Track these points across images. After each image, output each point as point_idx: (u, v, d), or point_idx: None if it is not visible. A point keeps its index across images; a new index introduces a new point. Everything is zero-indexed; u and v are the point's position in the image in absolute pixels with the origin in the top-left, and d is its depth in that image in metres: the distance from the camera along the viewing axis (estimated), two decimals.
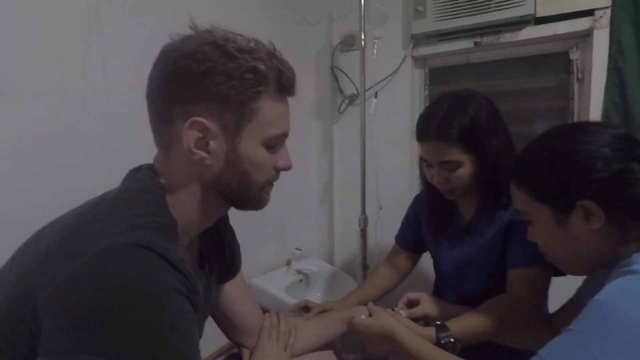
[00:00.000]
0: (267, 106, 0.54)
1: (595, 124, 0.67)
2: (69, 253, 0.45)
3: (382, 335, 0.78)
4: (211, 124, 0.52)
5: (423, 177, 1.01)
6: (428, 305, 0.92)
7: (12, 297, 0.47)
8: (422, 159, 0.95)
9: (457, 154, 0.86)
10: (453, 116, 0.85)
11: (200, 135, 0.52)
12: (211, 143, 0.53)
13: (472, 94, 0.90)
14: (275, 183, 0.62)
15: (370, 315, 0.85)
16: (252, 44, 0.54)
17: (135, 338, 0.42)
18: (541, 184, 0.65)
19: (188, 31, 0.55)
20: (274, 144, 0.57)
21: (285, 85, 0.56)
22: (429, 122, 0.88)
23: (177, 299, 0.47)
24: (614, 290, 0.53)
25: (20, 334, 0.46)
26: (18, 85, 0.83)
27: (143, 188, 0.54)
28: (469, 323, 0.82)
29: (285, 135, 0.59)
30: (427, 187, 1.01)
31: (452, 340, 0.79)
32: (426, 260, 1.18)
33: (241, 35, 0.55)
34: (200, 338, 0.69)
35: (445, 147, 0.86)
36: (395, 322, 0.78)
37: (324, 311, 1.01)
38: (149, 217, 0.50)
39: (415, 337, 0.75)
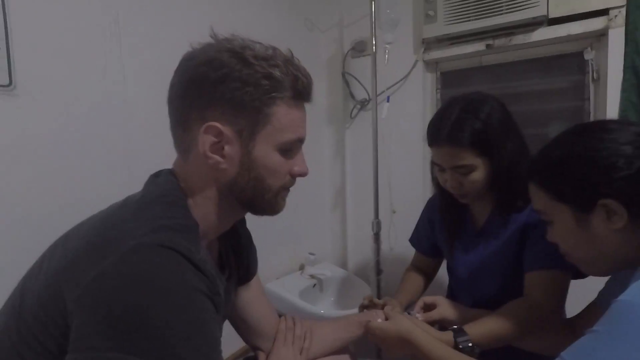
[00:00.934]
0: (281, 112, 0.55)
1: (615, 121, 0.66)
2: (97, 254, 0.46)
3: (399, 339, 0.77)
4: (226, 129, 0.53)
5: (435, 181, 1.00)
6: (444, 309, 0.91)
7: (43, 298, 0.49)
8: (434, 164, 0.94)
9: (469, 158, 0.85)
10: (465, 120, 0.84)
11: (215, 139, 0.54)
12: (226, 148, 0.54)
13: (483, 97, 0.89)
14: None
15: (386, 319, 0.84)
16: (269, 52, 0.55)
17: (161, 336, 0.43)
18: (561, 184, 0.64)
19: (206, 40, 0.57)
20: (289, 148, 0.58)
21: (300, 92, 0.57)
22: (440, 127, 0.87)
23: (201, 299, 0.48)
24: (638, 290, 0.52)
25: (51, 334, 0.47)
26: (41, 93, 0.86)
27: (165, 192, 0.55)
28: (487, 327, 0.81)
29: (300, 140, 0.59)
30: (440, 191, 1.00)
31: (470, 344, 0.78)
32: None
33: (260, 43, 0.56)
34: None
35: (457, 151, 0.85)
36: (412, 325, 0.77)
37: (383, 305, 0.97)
38: (172, 219, 0.51)
39: (433, 341, 0.74)
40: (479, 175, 0.87)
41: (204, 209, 0.58)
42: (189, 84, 0.54)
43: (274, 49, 0.56)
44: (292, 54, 0.58)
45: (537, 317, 0.81)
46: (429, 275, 1.16)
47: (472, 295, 1.01)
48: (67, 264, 0.49)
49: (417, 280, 1.14)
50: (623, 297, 0.52)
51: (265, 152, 0.56)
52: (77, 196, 0.90)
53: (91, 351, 0.43)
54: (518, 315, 0.82)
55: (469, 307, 0.95)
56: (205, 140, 0.53)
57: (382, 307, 0.94)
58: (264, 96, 0.53)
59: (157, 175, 0.60)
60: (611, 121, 0.67)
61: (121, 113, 1.00)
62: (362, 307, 0.99)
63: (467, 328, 0.80)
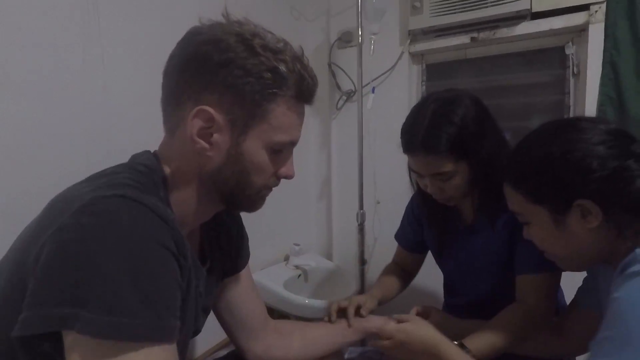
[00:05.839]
0: (280, 111, 0.53)
1: (586, 120, 0.66)
2: (57, 214, 0.44)
3: (422, 345, 0.75)
4: (219, 116, 0.51)
5: (416, 184, 0.96)
6: (435, 320, 0.88)
7: (10, 273, 0.47)
8: (411, 170, 0.89)
9: (448, 165, 0.81)
10: (439, 125, 0.80)
11: (204, 125, 0.51)
12: (215, 135, 0.52)
13: (456, 96, 0.83)
14: None
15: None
16: (279, 45, 0.53)
17: (114, 289, 0.41)
18: (537, 186, 0.64)
19: (183, 26, 0.54)
20: (280, 149, 0.56)
21: (303, 92, 0.54)
22: (414, 134, 0.82)
23: (163, 254, 0.45)
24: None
25: (16, 300, 0.44)
26: (17, 79, 0.83)
27: (139, 165, 0.53)
28: (487, 340, 0.80)
29: (292, 143, 0.57)
30: (422, 195, 0.96)
31: None
32: (432, 262, 1.12)
33: (272, 34, 0.54)
34: (198, 333, 0.67)
35: (435, 159, 0.81)
36: (439, 334, 0.76)
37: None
38: (139, 182, 0.49)
39: (462, 354, 0.73)
40: (459, 179, 0.83)
41: (183, 194, 0.56)
42: (189, 60, 0.52)
43: (286, 42, 0.54)
44: (302, 51, 0.56)
45: (534, 323, 0.82)
46: (409, 271, 1.14)
47: (465, 293, 1.00)
48: (32, 231, 0.47)
49: (399, 277, 1.11)
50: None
51: (254, 148, 0.54)
52: (53, 184, 0.88)
53: (41, 307, 0.40)
54: (515, 324, 0.82)
55: (461, 319, 0.93)
56: (194, 124, 0.51)
57: (357, 309, 0.89)
58: (265, 90, 0.51)
59: (138, 155, 0.57)
60: (582, 119, 0.67)
61: (101, 98, 0.97)
62: (332, 315, 0.89)
63: (468, 343, 0.79)
